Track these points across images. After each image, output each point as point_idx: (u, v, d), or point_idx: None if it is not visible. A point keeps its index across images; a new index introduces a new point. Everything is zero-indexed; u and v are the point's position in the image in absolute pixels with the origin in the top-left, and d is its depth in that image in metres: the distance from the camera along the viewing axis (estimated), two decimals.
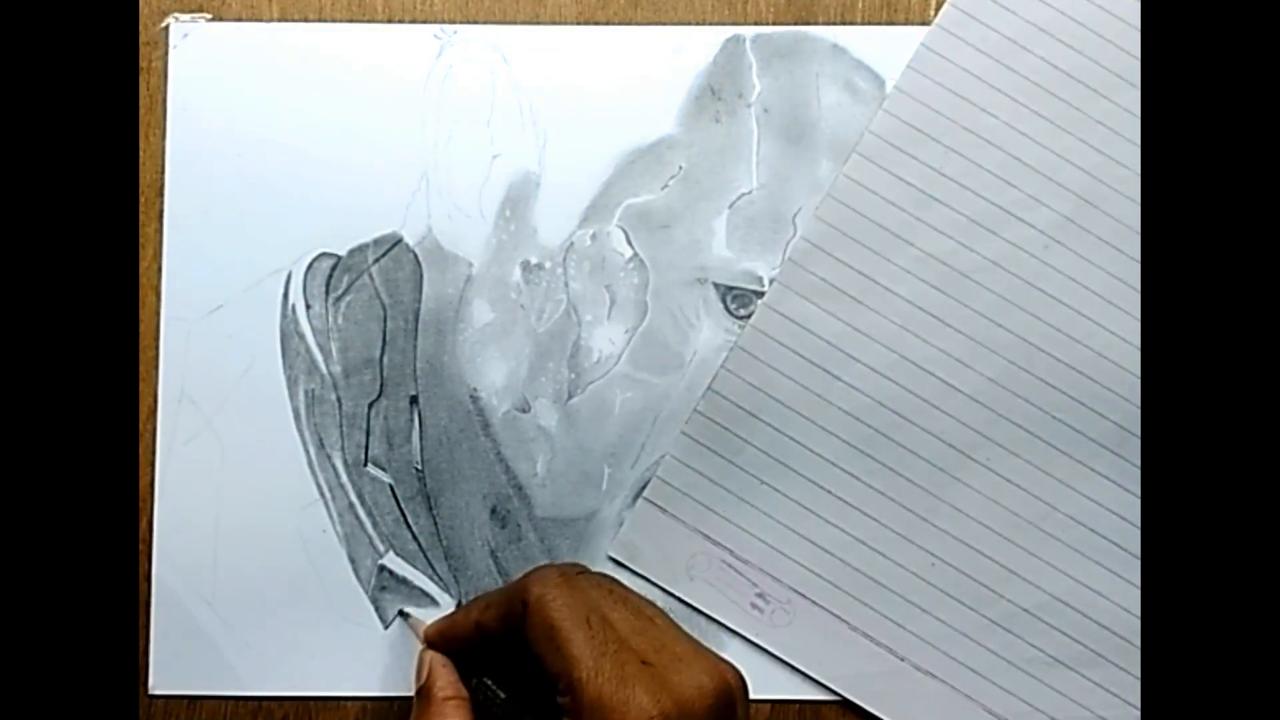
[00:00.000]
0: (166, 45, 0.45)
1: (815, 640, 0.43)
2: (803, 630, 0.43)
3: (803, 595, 0.43)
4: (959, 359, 0.43)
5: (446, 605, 0.44)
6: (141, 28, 0.45)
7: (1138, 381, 0.43)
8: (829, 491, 0.43)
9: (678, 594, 0.43)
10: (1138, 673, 0.42)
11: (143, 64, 0.44)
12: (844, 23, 0.45)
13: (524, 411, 0.44)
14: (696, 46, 0.45)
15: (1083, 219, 0.44)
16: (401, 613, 0.43)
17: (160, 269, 0.44)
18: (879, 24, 0.45)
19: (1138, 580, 0.43)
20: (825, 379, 0.43)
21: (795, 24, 0.45)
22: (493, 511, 0.44)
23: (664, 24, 0.45)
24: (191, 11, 0.45)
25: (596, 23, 0.45)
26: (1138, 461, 0.43)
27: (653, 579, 0.43)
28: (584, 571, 0.39)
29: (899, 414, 0.43)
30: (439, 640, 0.40)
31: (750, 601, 0.43)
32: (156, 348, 0.44)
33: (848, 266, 0.44)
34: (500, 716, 0.39)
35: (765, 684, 0.43)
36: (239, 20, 0.45)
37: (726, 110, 0.45)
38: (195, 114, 0.44)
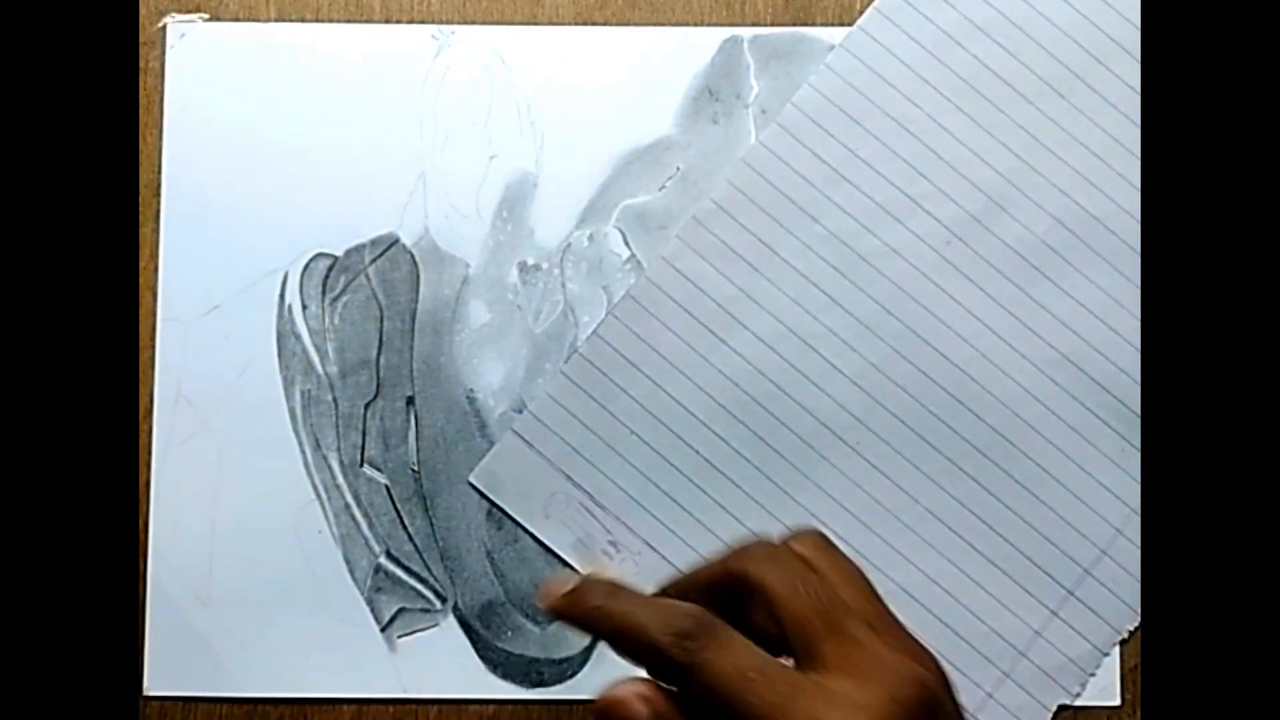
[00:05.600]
0: (164, 45, 0.45)
1: None
2: (648, 582, 0.42)
3: (654, 549, 0.43)
4: (845, 340, 0.43)
5: (441, 608, 0.43)
6: (139, 28, 0.44)
7: (1017, 387, 0.43)
8: (696, 451, 0.43)
9: (531, 530, 0.43)
10: (974, 675, 0.43)
11: (140, 64, 0.44)
12: (842, 24, 0.45)
13: (520, 412, 0.44)
14: (694, 47, 0.45)
15: (988, 220, 0.44)
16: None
17: (157, 269, 0.44)
18: None
19: (985, 581, 0.43)
20: (710, 340, 0.43)
21: (793, 25, 0.45)
22: (489, 513, 0.44)
23: (661, 25, 0.45)
24: (189, 11, 0.45)
25: (594, 24, 0.45)
26: (1005, 465, 0.43)
27: (509, 511, 0.43)
28: (796, 536, 0.35)
29: (778, 385, 0.43)
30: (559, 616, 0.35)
31: (601, 548, 0.43)
32: (153, 348, 0.44)
33: (750, 233, 0.44)
34: None
35: None
36: (236, 20, 0.45)
37: (724, 111, 0.45)
38: (192, 114, 0.44)
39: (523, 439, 0.43)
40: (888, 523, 0.43)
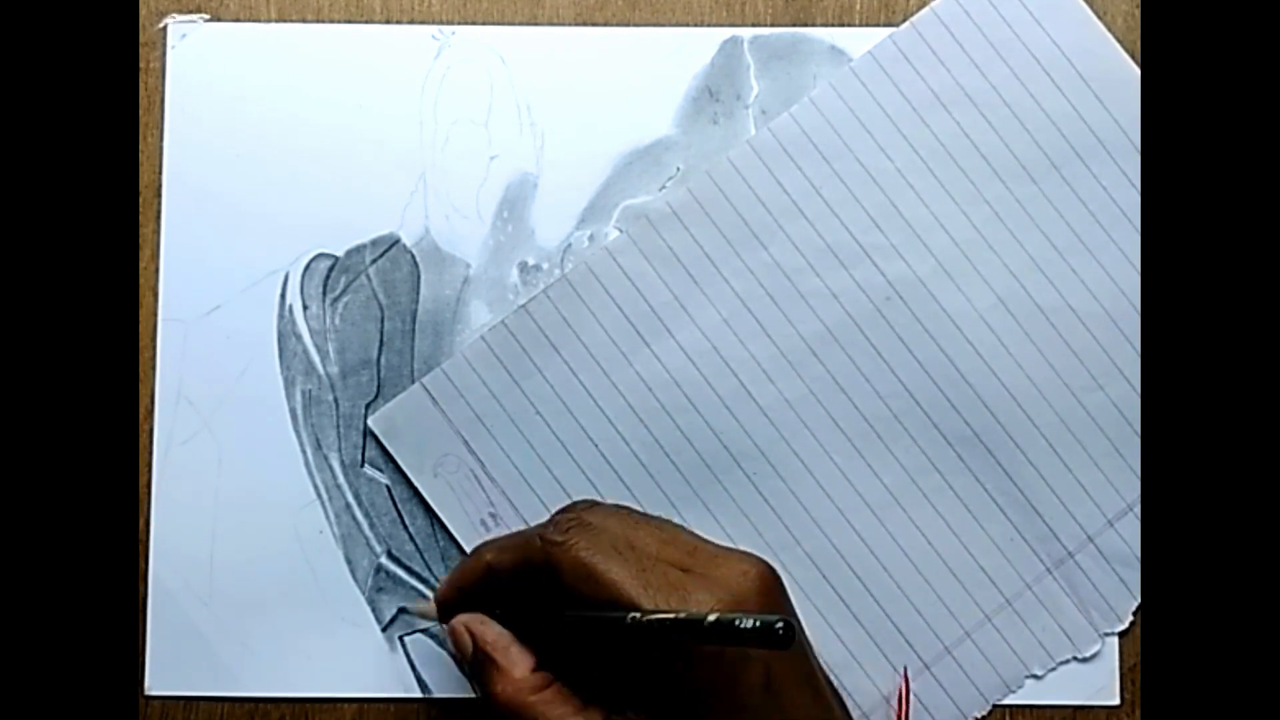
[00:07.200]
0: (164, 46, 0.45)
1: None
2: None
3: None
4: (765, 370, 0.43)
5: None
6: (139, 28, 0.44)
7: (920, 455, 0.43)
8: (595, 446, 0.43)
9: (416, 485, 0.43)
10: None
11: (140, 64, 0.44)
12: (842, 24, 0.45)
13: None
14: (694, 48, 0.45)
15: (934, 286, 0.43)
16: (401, 610, 0.43)
17: (158, 269, 0.44)
18: (877, 25, 0.45)
19: (860, 632, 0.43)
20: (635, 341, 0.43)
21: (793, 25, 0.45)
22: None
23: (662, 25, 0.45)
24: (189, 12, 0.45)
25: (594, 24, 0.45)
26: (890, 527, 0.43)
27: (399, 461, 0.43)
28: (594, 506, 0.39)
29: (689, 400, 0.43)
30: (454, 594, 0.40)
31: (481, 518, 0.43)
32: (154, 348, 0.44)
33: (698, 245, 0.43)
34: (562, 633, 0.38)
35: None
36: (237, 21, 0.45)
37: (724, 112, 0.45)
38: (193, 115, 0.44)
39: (430, 394, 0.43)
40: (767, 556, 0.42)
